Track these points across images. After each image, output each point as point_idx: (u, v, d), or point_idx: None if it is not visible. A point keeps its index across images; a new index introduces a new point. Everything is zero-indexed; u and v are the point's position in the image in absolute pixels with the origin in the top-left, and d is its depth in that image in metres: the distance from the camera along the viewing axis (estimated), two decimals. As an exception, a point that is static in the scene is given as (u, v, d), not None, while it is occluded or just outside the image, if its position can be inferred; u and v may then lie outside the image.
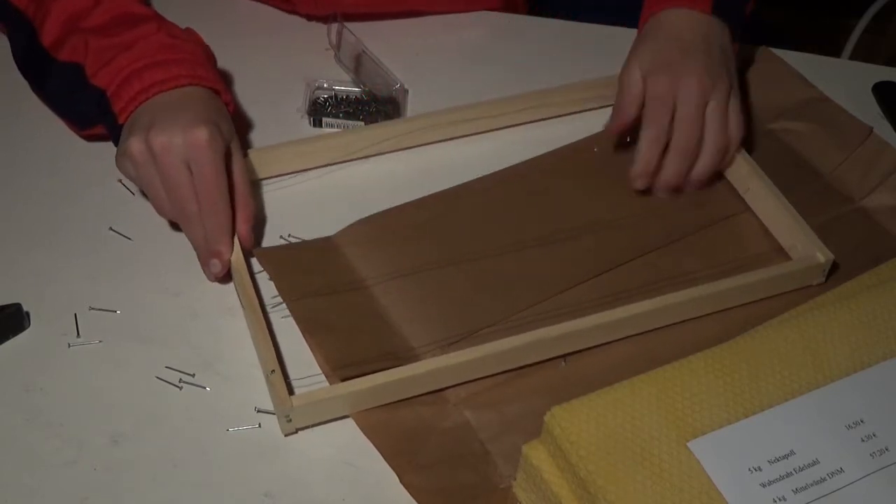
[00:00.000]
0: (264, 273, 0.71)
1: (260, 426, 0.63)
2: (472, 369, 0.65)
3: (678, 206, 0.77)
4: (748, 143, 0.78)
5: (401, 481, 0.60)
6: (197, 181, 0.67)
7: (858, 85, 0.89)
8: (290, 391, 0.63)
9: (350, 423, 0.63)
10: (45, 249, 0.73)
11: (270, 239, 0.75)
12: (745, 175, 0.77)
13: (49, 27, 0.75)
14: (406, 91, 0.86)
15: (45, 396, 0.64)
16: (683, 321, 0.69)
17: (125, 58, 0.71)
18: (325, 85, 0.85)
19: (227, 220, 0.69)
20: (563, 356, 0.67)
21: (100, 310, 0.69)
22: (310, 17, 0.92)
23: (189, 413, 0.64)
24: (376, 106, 0.84)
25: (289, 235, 0.75)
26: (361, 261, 0.72)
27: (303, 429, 0.63)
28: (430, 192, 0.77)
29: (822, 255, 0.70)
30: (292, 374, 0.65)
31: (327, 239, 0.74)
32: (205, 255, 0.69)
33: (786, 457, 0.54)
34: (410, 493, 0.59)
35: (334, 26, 0.88)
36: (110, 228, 0.74)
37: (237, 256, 0.69)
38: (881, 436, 0.55)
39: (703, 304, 0.69)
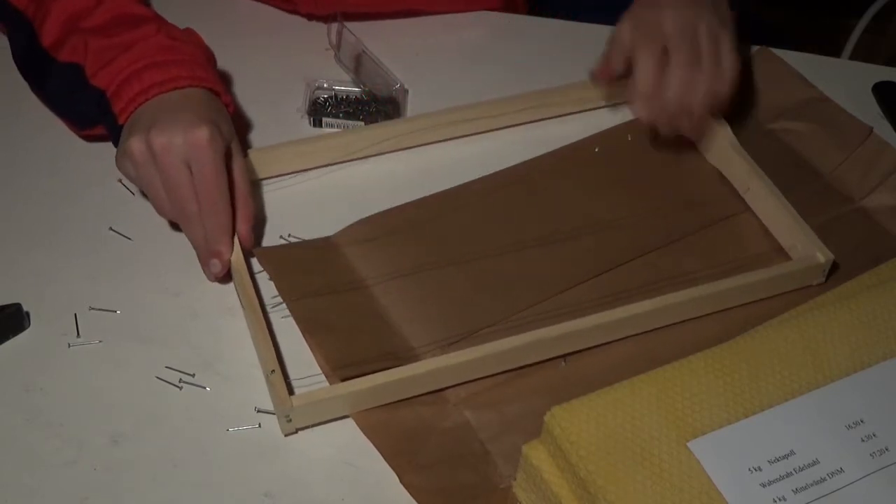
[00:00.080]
0: (264, 273, 0.71)
1: (260, 426, 0.63)
2: (472, 369, 0.65)
3: (678, 205, 0.77)
4: (748, 143, 0.78)
5: (401, 481, 0.60)
6: (197, 181, 0.67)
7: (858, 85, 0.89)
8: (290, 391, 0.63)
9: (350, 423, 0.63)
10: (45, 249, 0.73)
11: (270, 239, 0.75)
12: (745, 175, 0.77)
13: (49, 28, 0.75)
14: (406, 91, 0.86)
15: (45, 396, 0.64)
16: (683, 321, 0.69)
17: (125, 59, 0.71)
18: (325, 85, 0.85)
19: (227, 220, 0.69)
20: (563, 356, 0.67)
21: (100, 310, 0.69)
22: (310, 17, 0.92)
23: (189, 413, 0.64)
24: (376, 106, 0.84)
25: (289, 235, 0.75)
26: (361, 261, 0.72)
27: (303, 429, 0.63)
28: (430, 192, 0.77)
29: (822, 255, 0.70)
30: (292, 374, 0.65)
31: (327, 239, 0.74)
32: (205, 255, 0.69)
33: (786, 457, 0.54)
34: (410, 493, 0.59)
35: (334, 26, 0.88)
36: (110, 228, 0.74)
37: (237, 256, 0.69)
38: (881, 436, 0.55)
39: (703, 304, 0.69)
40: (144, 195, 0.72)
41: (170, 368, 0.66)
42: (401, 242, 0.73)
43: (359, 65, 0.87)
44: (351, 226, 0.74)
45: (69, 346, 0.67)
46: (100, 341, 0.67)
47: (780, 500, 0.52)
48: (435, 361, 0.64)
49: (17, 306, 0.67)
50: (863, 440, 0.55)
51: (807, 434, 0.55)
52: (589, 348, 0.67)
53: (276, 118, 0.84)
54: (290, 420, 0.62)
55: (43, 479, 0.60)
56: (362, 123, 0.82)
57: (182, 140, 0.66)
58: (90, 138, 0.79)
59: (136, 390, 0.65)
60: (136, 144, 0.66)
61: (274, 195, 0.78)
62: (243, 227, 0.70)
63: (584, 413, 0.54)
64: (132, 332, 0.68)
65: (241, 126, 0.81)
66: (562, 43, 0.89)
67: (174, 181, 0.67)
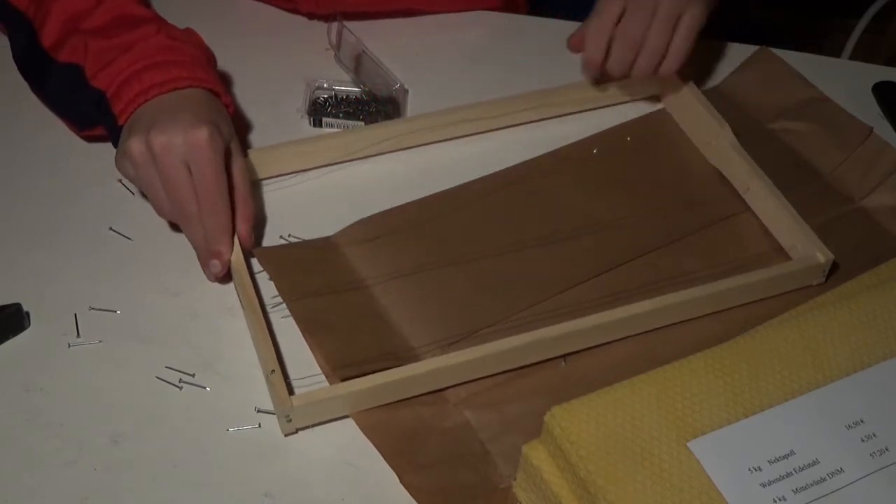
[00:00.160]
0: (264, 273, 0.71)
1: (260, 426, 0.63)
2: (472, 369, 0.65)
3: (678, 205, 0.77)
4: (748, 143, 0.78)
5: (401, 481, 0.60)
6: (197, 181, 0.67)
7: (858, 85, 0.89)
8: (290, 391, 0.63)
9: (350, 423, 0.63)
10: (45, 249, 0.73)
11: (270, 239, 0.75)
12: (745, 175, 0.77)
13: (49, 28, 0.75)
14: (406, 91, 0.86)
15: (45, 396, 0.64)
16: (683, 321, 0.69)
17: (125, 59, 0.71)
18: (325, 85, 0.85)
19: (226, 220, 0.69)
20: (563, 356, 0.67)
21: (100, 310, 0.69)
22: (311, 16, 0.92)
23: (189, 413, 0.64)
24: (376, 106, 0.84)
25: (289, 235, 0.75)
26: (361, 261, 0.72)
27: (303, 429, 0.63)
28: (430, 192, 0.77)
29: (822, 255, 0.70)
30: (292, 374, 0.65)
31: (327, 239, 0.74)
32: (205, 256, 0.69)
33: (786, 457, 0.54)
34: (410, 493, 0.59)
35: (334, 26, 0.88)
36: (110, 228, 0.74)
37: (237, 256, 0.69)
38: (881, 436, 0.55)
39: (703, 304, 0.69)
40: (144, 195, 0.72)
41: (170, 368, 0.66)
42: (401, 242, 0.73)
43: (359, 65, 0.87)
44: (351, 226, 0.74)
45: (69, 346, 0.67)
46: (100, 341, 0.67)
47: (780, 500, 0.52)
48: (435, 361, 0.64)
49: (17, 306, 0.67)
50: (863, 440, 0.55)
51: (807, 434, 0.55)
52: (589, 348, 0.67)
53: (276, 118, 0.84)
54: (290, 420, 0.62)
55: (43, 479, 0.60)
56: (362, 123, 0.82)
57: (182, 140, 0.66)
58: (90, 139, 0.79)
59: (136, 390, 0.65)
60: (135, 145, 0.66)
61: (274, 195, 0.78)
62: (243, 227, 0.70)
63: (584, 413, 0.54)
64: (132, 332, 0.68)
65: (241, 126, 0.81)
66: (562, 43, 0.89)
67: (174, 181, 0.67)
